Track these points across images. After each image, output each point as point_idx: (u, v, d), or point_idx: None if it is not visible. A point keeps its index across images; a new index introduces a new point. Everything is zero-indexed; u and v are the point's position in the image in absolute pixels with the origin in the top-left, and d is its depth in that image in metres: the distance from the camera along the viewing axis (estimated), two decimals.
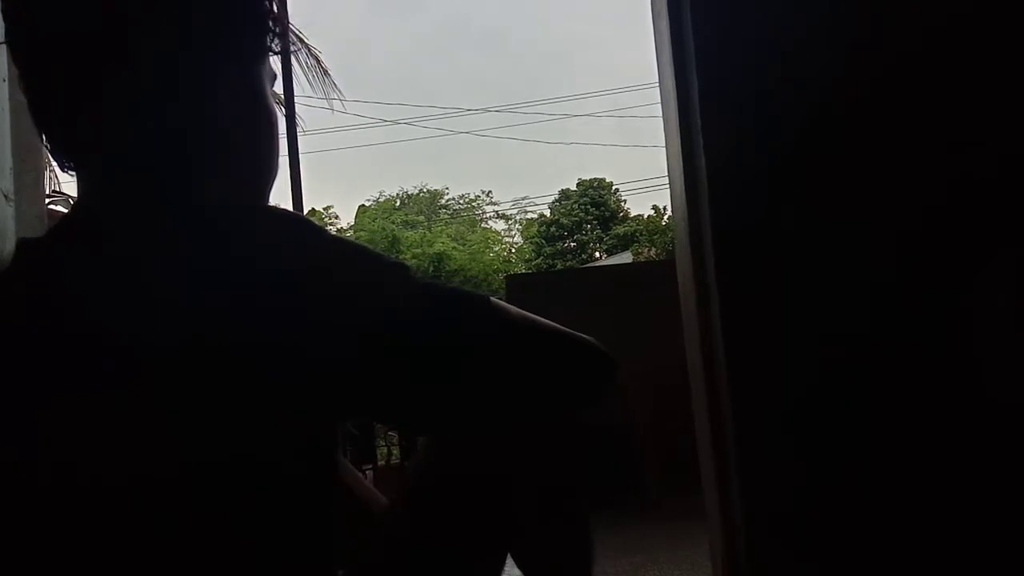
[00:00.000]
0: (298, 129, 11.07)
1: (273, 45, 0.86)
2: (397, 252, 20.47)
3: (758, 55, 1.29)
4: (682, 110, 1.34)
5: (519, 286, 4.57)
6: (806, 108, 1.29)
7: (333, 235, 0.74)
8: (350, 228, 24.48)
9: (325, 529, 0.76)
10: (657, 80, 1.48)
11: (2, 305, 0.72)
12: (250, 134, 0.82)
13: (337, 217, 26.56)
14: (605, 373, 0.85)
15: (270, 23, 0.84)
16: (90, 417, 0.64)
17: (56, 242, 0.73)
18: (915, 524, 1.23)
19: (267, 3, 0.83)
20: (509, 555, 0.91)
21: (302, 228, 0.71)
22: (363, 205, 26.42)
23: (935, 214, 1.26)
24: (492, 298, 0.77)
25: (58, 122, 0.74)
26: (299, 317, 0.66)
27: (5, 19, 0.74)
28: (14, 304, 0.71)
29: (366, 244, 0.78)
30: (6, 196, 1.08)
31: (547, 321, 0.82)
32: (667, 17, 1.35)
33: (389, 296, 0.71)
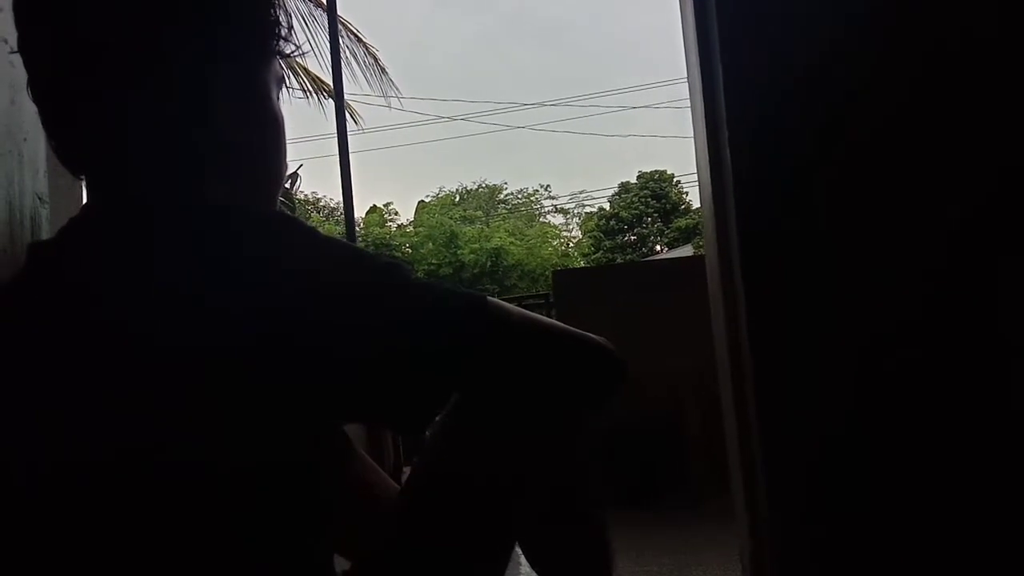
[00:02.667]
0: (358, 127, 11.14)
1: (279, 48, 0.87)
2: (455, 248, 20.57)
3: (785, 48, 1.25)
4: (707, 102, 1.31)
5: (566, 281, 4.52)
6: (834, 102, 1.24)
7: (330, 237, 0.75)
8: (409, 224, 24.75)
9: (322, 524, 0.76)
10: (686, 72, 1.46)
11: (14, 306, 0.75)
12: (254, 137, 0.83)
13: (396, 213, 26.89)
14: (610, 373, 0.83)
15: (274, 27, 0.85)
16: (93, 416, 0.66)
17: (63, 245, 0.76)
18: (945, 528, 1.18)
19: (270, 8, 0.84)
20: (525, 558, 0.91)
21: (300, 231, 0.72)
22: (422, 201, 26.67)
23: (970, 212, 1.21)
24: (490, 298, 0.77)
25: (64, 128, 0.77)
26: (299, 318, 0.67)
27: (17, 28, 0.77)
28: (24, 305, 0.73)
29: (360, 246, 0.79)
30: (40, 198, 1.13)
31: (550, 321, 0.82)
32: (692, 6, 1.32)
33: (387, 296, 0.71)
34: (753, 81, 1.25)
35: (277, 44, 0.86)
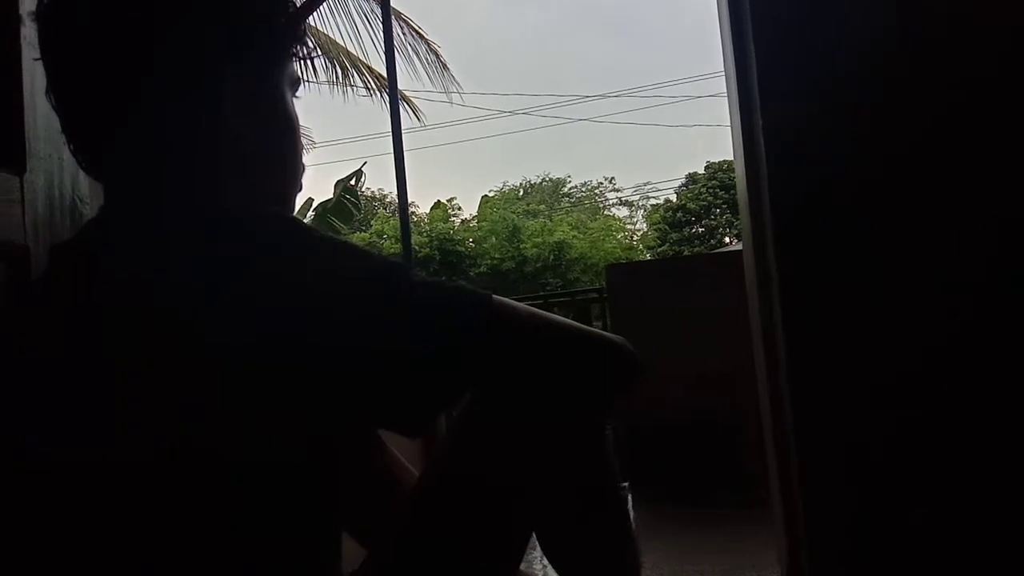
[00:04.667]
0: (420, 123, 11.21)
1: (294, 51, 0.88)
2: (518, 242, 20.57)
3: (821, 46, 1.21)
4: (741, 89, 1.27)
5: (620, 276, 4.46)
6: (869, 100, 1.20)
7: (332, 238, 0.75)
8: (473, 218, 24.88)
9: (330, 525, 0.77)
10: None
11: (35, 306, 0.78)
12: (268, 139, 0.84)
13: (460, 208, 27.06)
14: (625, 372, 0.82)
15: (288, 30, 0.86)
16: (102, 415, 0.67)
17: (82, 247, 0.78)
18: (979, 528, 1.12)
19: (285, 10, 0.85)
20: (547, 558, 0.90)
21: (303, 231, 0.73)
22: (486, 195, 26.77)
23: (1008, 213, 1.14)
24: (496, 296, 0.76)
25: (83, 132, 0.79)
26: (303, 317, 0.67)
27: (38, 34, 0.80)
28: (44, 305, 0.76)
29: (364, 246, 0.79)
30: (81, 199, 1.17)
31: (561, 319, 0.80)
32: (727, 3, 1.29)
33: (390, 295, 0.71)
34: (788, 67, 1.21)
35: (292, 47, 0.87)
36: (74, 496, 0.67)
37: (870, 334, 1.17)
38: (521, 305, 0.79)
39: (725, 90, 1.42)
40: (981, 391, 1.14)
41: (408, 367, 0.71)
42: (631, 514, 1.10)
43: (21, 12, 1.07)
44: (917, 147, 1.18)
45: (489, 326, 0.74)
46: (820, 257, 1.20)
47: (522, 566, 1.01)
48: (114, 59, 0.76)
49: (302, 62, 0.90)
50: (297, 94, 0.90)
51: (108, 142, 0.78)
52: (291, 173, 0.88)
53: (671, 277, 4.16)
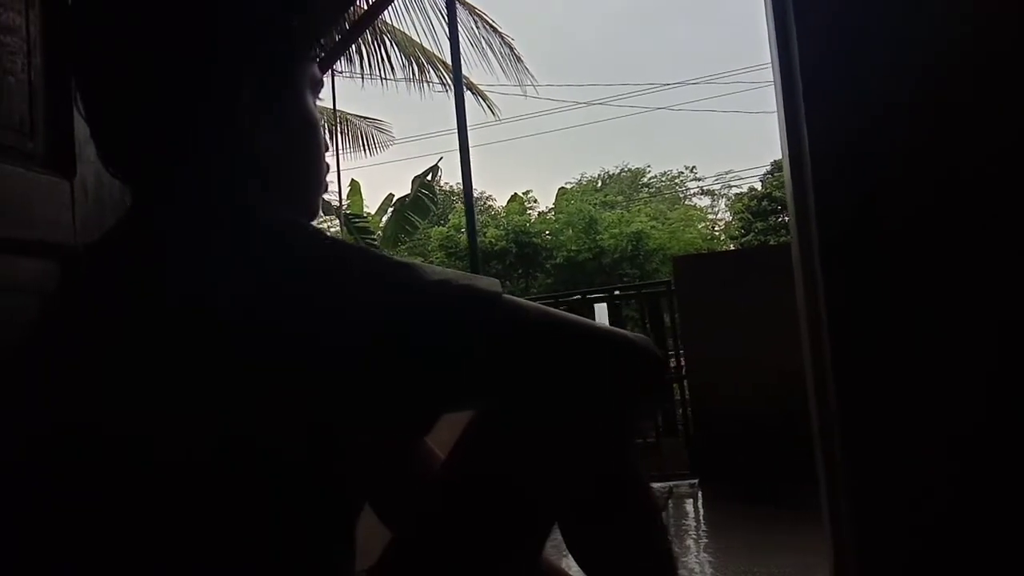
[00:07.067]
0: (495, 117, 11.27)
1: (315, 53, 0.89)
2: (595, 233, 20.43)
3: (863, 27, 1.15)
4: (786, 89, 1.23)
5: (689, 268, 4.33)
6: (915, 86, 1.13)
7: (341, 240, 0.76)
8: (549, 211, 24.83)
9: (343, 524, 0.78)
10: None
11: (61, 305, 0.81)
12: (286, 142, 0.85)
13: (535, 201, 26.99)
14: (644, 373, 0.80)
15: (310, 32, 0.87)
16: (116, 412, 0.68)
17: (106, 248, 0.81)
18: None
19: (305, 12, 0.86)
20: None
21: (310, 233, 0.74)
22: (563, 188, 26.63)
23: None
24: (505, 296, 0.76)
25: (106, 137, 0.82)
26: (308, 317, 0.68)
27: (71, 46, 0.83)
28: (77, 303, 0.80)
29: (366, 247, 0.79)
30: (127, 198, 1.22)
31: (575, 319, 0.79)
32: (774, 21, 1.24)
33: (396, 297, 0.71)
34: (830, 66, 1.16)
35: (311, 49, 0.88)
36: (90, 492, 0.69)
37: (918, 339, 1.12)
38: (532, 304, 0.78)
39: None
40: None
41: (414, 366, 0.71)
42: (662, 512, 1.08)
43: None
44: (968, 161, 1.11)
45: (498, 324, 0.73)
46: (865, 265, 1.15)
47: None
48: (137, 65, 0.78)
49: (329, 62, 0.91)
50: (319, 95, 0.91)
51: (132, 146, 0.81)
52: (314, 174, 0.90)
53: (742, 269, 4.03)
